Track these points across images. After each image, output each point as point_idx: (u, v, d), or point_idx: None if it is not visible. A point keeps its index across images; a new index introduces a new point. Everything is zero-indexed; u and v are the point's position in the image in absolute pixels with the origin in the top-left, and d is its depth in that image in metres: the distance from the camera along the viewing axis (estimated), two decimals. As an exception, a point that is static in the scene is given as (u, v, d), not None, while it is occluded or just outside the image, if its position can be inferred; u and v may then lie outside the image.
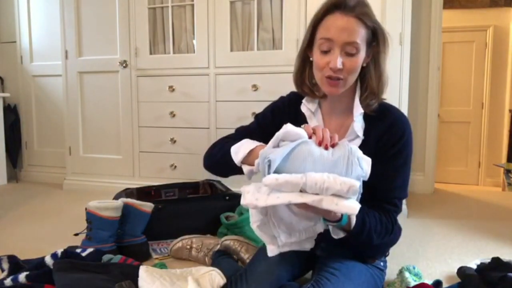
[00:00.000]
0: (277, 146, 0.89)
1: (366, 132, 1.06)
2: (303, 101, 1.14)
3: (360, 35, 0.97)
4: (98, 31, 2.80)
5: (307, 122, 1.13)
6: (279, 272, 1.12)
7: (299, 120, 1.14)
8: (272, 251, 0.98)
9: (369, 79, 1.04)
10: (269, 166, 0.84)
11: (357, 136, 1.06)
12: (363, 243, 1.01)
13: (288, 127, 0.87)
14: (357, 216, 0.93)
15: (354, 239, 0.98)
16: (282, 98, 1.22)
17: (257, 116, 1.22)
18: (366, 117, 1.07)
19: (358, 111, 1.05)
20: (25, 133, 3.34)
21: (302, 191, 0.81)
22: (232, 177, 2.39)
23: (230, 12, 2.49)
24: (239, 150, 1.01)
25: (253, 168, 0.95)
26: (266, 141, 1.14)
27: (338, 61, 0.96)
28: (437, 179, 3.19)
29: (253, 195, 0.84)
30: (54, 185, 3.10)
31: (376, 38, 1.02)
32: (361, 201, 0.88)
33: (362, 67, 1.04)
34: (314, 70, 1.05)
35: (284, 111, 1.17)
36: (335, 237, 0.98)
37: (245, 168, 1.00)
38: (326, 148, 0.85)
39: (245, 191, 0.87)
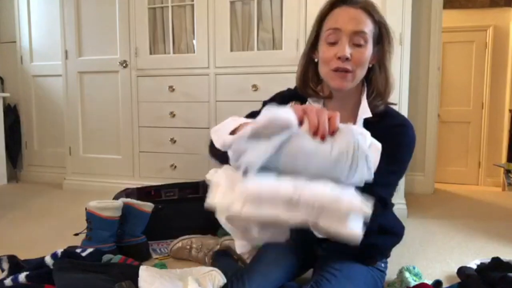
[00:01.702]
0: (257, 135, 0.65)
1: None
2: (309, 99, 1.11)
3: (368, 26, 0.96)
4: (98, 31, 2.80)
5: None
6: (279, 272, 1.12)
7: None
8: (241, 246, 0.77)
9: (375, 80, 1.02)
10: (246, 171, 0.64)
11: None
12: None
13: (271, 112, 0.64)
14: None
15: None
16: (283, 95, 1.18)
17: (265, 102, 1.19)
18: (366, 121, 1.03)
19: (364, 113, 1.01)
20: (25, 133, 3.34)
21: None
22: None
23: (230, 12, 2.49)
24: (220, 130, 0.80)
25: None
26: None
27: (347, 50, 0.94)
28: (437, 179, 3.18)
29: (225, 195, 0.66)
30: (54, 185, 3.10)
31: (382, 37, 1.00)
32: None
33: (368, 69, 1.02)
34: (320, 66, 1.02)
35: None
36: (319, 236, 0.87)
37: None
38: (322, 138, 0.65)
39: (214, 182, 0.69)
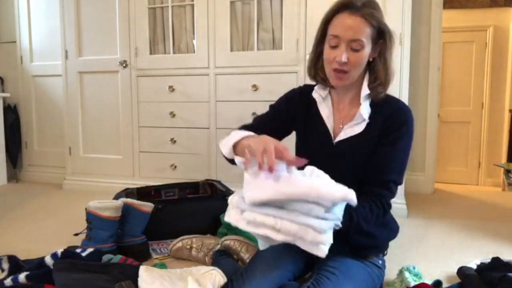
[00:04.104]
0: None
1: (371, 116, 1.14)
2: (315, 87, 1.24)
3: (365, 33, 1.06)
4: (98, 31, 2.81)
5: (317, 108, 1.21)
6: (279, 271, 1.12)
7: (311, 106, 1.23)
8: (262, 245, 0.99)
9: (377, 71, 1.13)
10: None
11: (363, 120, 1.13)
12: (354, 233, 1.06)
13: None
14: (344, 214, 0.94)
15: (344, 233, 1.00)
16: (294, 89, 1.31)
17: (272, 106, 1.31)
18: (372, 104, 1.15)
19: (365, 92, 1.13)
20: (25, 133, 3.34)
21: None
22: (231, 177, 2.40)
23: (230, 12, 2.49)
24: (225, 144, 1.08)
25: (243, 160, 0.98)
26: (280, 127, 1.27)
27: (343, 56, 1.06)
28: (437, 179, 3.18)
29: (235, 215, 0.95)
30: (54, 185, 3.10)
31: (383, 36, 1.10)
32: (356, 182, 1.06)
33: (370, 61, 1.13)
34: (324, 63, 1.15)
35: (297, 101, 1.26)
36: None
37: (237, 160, 1.03)
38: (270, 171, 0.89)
39: (230, 205, 0.98)
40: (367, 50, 1.08)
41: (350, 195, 0.89)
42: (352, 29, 1.05)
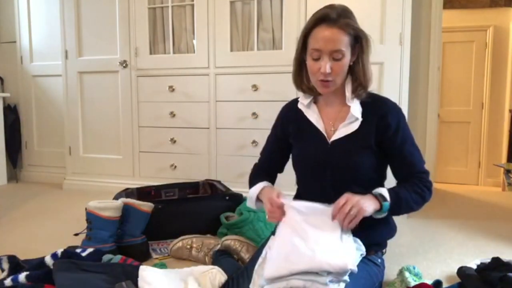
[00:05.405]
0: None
1: (363, 114, 1.19)
2: (299, 99, 1.31)
3: (344, 43, 1.12)
4: (98, 31, 2.81)
5: (305, 117, 1.27)
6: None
7: (299, 116, 1.29)
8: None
9: (357, 72, 1.19)
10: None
11: (356, 119, 1.18)
12: (406, 211, 1.16)
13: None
14: (390, 197, 1.09)
15: (396, 213, 1.14)
16: (280, 110, 1.39)
17: (268, 136, 1.42)
18: (361, 103, 1.20)
19: (348, 93, 1.20)
20: (25, 133, 3.34)
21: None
22: (231, 177, 2.40)
23: (230, 12, 2.49)
24: (251, 199, 1.31)
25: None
26: (284, 149, 1.37)
27: (327, 67, 1.12)
28: (437, 179, 3.18)
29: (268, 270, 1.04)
30: (54, 185, 3.10)
31: (359, 40, 1.15)
32: (356, 182, 1.17)
33: (350, 65, 1.18)
34: (309, 75, 1.20)
35: (285, 119, 1.34)
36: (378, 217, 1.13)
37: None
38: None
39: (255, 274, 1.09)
40: (348, 57, 1.14)
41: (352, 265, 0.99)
42: (332, 41, 1.10)
